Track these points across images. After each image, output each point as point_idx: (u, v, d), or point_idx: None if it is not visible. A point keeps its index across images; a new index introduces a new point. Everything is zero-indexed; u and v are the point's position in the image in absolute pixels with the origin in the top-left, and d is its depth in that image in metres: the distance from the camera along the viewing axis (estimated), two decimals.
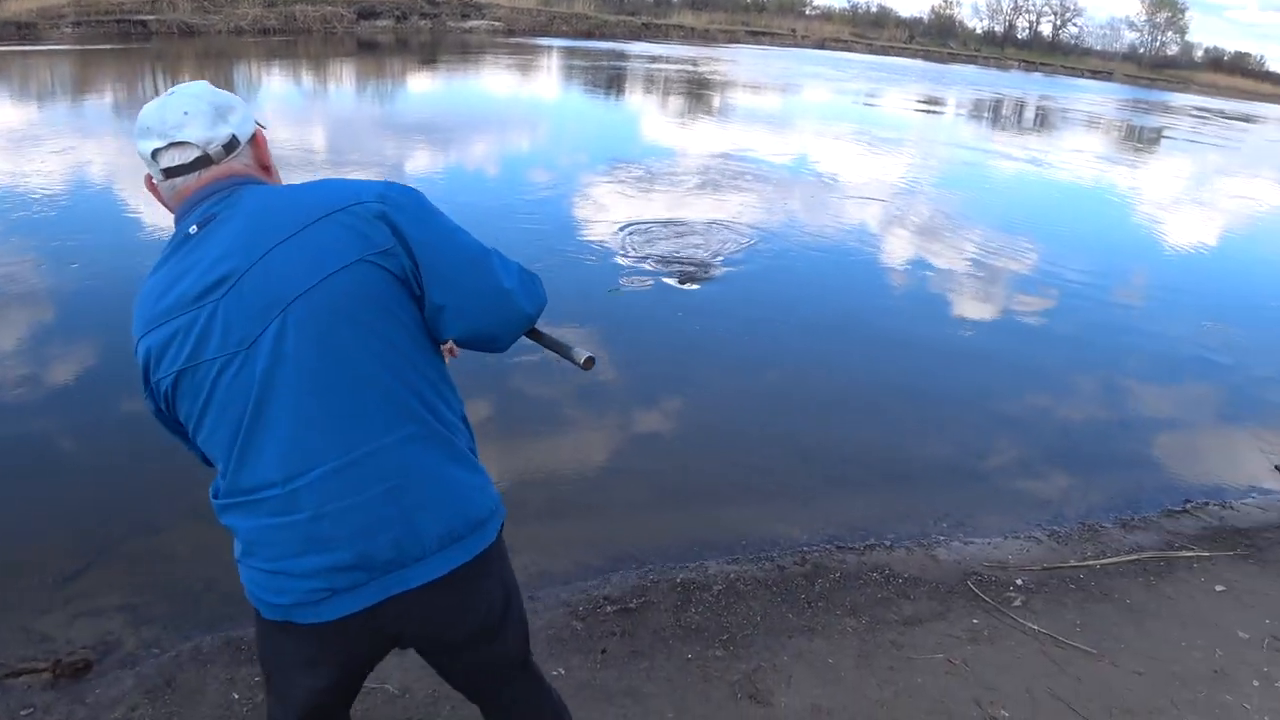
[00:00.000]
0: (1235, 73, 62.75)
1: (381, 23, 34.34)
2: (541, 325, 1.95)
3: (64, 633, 3.42)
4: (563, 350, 1.96)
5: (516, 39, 35.14)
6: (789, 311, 7.46)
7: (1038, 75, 42.56)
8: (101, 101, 16.37)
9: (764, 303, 7.58)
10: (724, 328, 6.87)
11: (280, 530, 1.61)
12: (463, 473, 1.70)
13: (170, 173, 1.64)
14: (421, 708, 3.05)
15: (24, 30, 27.04)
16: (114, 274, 7.08)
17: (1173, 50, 56.43)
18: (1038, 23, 54.66)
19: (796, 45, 44.31)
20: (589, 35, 38.87)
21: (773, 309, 7.45)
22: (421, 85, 21.65)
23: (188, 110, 1.62)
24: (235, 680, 3.13)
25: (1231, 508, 5.07)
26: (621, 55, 31.43)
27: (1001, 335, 7.61)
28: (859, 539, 4.37)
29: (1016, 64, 47.53)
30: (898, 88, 28.48)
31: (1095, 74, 45.16)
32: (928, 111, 25.46)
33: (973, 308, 8.17)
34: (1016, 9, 53.10)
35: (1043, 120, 25.09)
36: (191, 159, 1.63)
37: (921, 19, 52.76)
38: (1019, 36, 54.71)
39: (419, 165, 11.88)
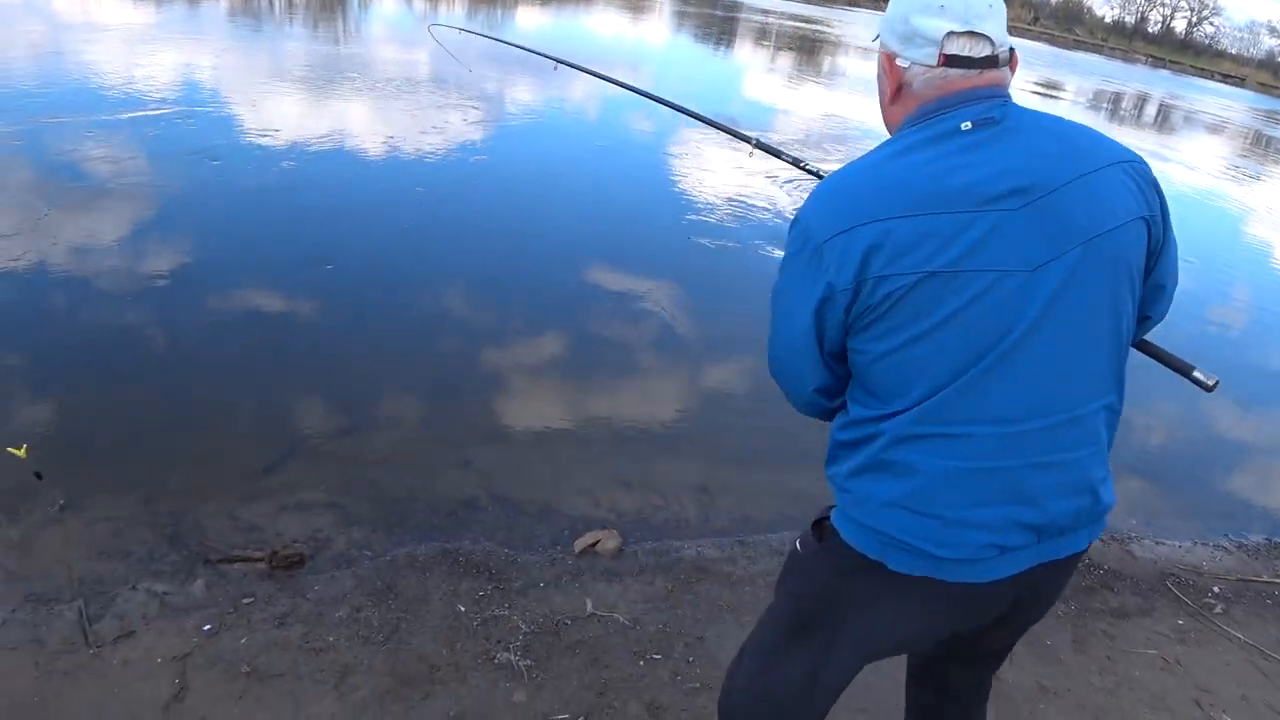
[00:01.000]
0: None
1: None
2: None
3: (271, 524, 3.35)
4: (1180, 368, 1.86)
5: None
6: None
7: (1164, 73, 40.76)
8: None
9: None
10: None
11: (978, 476, 1.44)
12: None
13: (954, 61, 1.48)
14: (653, 641, 2.93)
15: None
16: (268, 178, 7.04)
17: None
18: (1171, 17, 52.17)
19: None
20: None
21: None
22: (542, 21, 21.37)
23: (992, 4, 1.50)
24: (458, 593, 3.02)
25: None
26: (736, 6, 30.81)
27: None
28: None
29: (1144, 59, 45.53)
30: (1021, 69, 27.52)
31: (1227, 78, 42.91)
32: (1044, 95, 24.48)
33: None
34: (1151, 1, 50.76)
35: (1164, 119, 23.97)
36: (982, 54, 1.49)
37: (1049, 1, 50.64)
38: (1150, 30, 52.39)
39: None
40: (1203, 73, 45.09)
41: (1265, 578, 4.10)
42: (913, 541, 1.47)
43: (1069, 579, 1.66)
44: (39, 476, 3.22)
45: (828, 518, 1.61)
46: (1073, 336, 1.43)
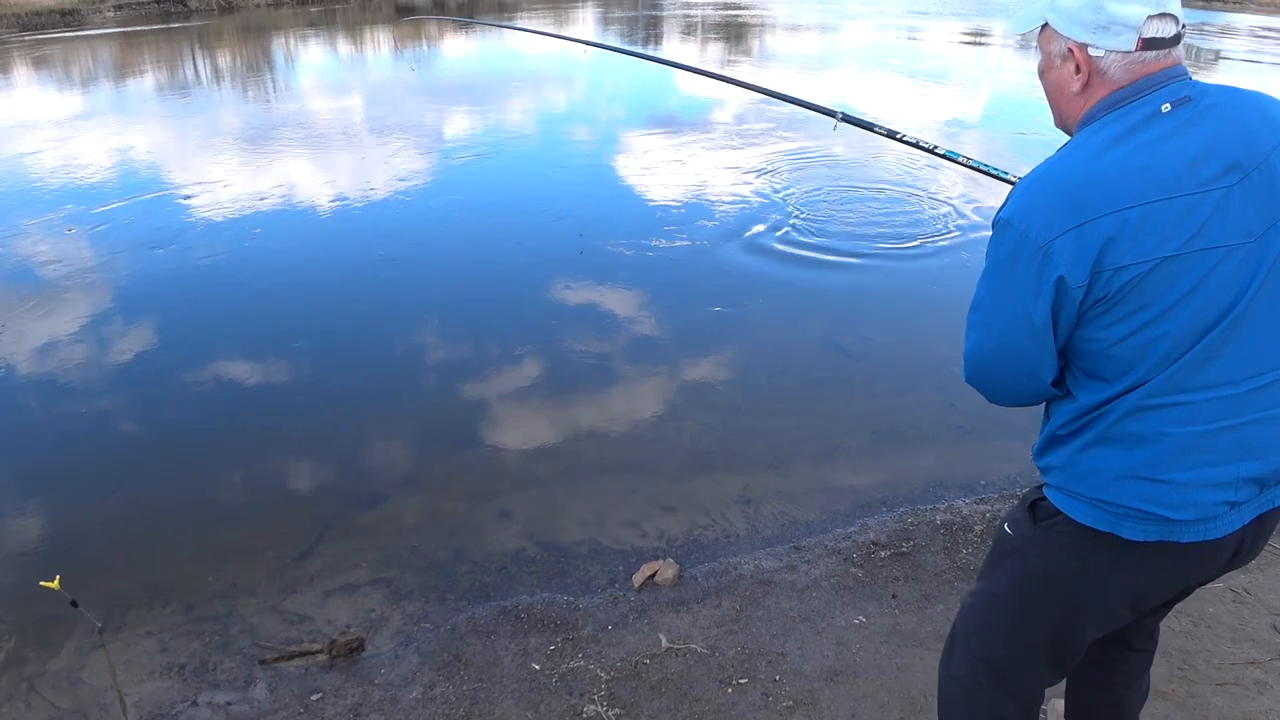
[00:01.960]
0: None
1: None
2: None
3: (319, 611, 3.26)
4: None
5: None
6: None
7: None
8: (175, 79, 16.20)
9: None
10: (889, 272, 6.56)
11: (1209, 437, 1.51)
12: None
13: (1150, 44, 1.52)
14: (735, 665, 2.86)
15: (68, 16, 27.01)
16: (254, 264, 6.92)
17: None
18: None
19: None
20: None
21: None
22: (461, 48, 21.22)
23: None
24: (528, 650, 2.94)
25: None
26: (656, 4, 30.78)
27: None
28: None
29: None
30: (938, 21, 27.62)
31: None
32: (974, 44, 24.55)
33: None
34: None
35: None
36: (1172, 34, 1.52)
37: None
38: None
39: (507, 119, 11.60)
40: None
41: None
42: (1149, 508, 1.54)
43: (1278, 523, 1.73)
44: (75, 604, 3.10)
45: (1041, 499, 1.68)
46: None
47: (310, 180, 9.04)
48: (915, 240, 7.00)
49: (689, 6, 29.69)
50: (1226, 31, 25.80)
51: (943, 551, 3.47)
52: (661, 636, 2.98)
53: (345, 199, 8.34)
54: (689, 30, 24.01)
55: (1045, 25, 1.59)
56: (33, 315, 5.81)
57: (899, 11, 30.09)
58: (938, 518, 3.69)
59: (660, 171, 9.11)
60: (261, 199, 8.34)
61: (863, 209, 7.76)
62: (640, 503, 3.84)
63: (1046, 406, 1.70)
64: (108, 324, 5.68)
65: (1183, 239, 1.43)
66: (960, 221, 7.45)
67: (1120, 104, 1.52)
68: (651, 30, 23.36)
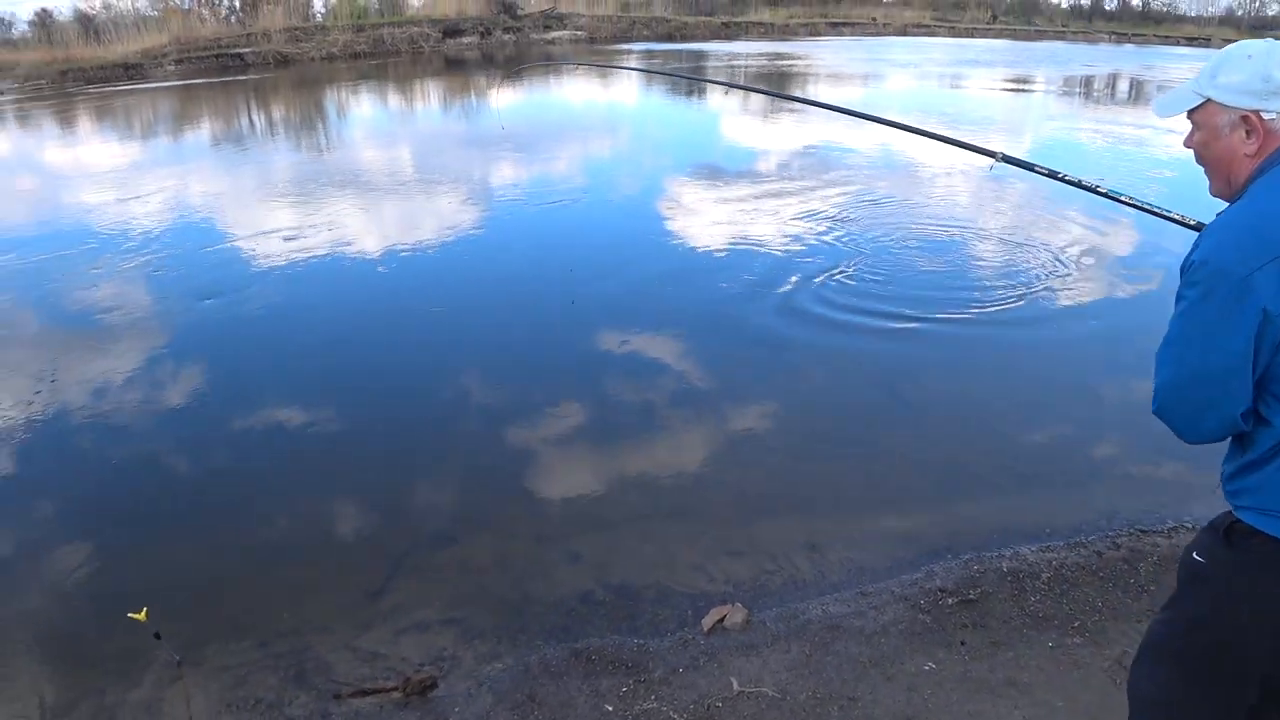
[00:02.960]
0: None
1: (467, 39, 34.60)
2: None
3: (393, 649, 3.32)
4: None
5: (597, 45, 35.18)
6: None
7: (1129, 47, 40.82)
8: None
9: None
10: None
11: None
12: None
13: None
14: (807, 710, 2.87)
15: (131, 70, 27.98)
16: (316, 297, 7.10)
17: (1273, 10, 53.67)
18: None
19: (878, 34, 43.49)
20: (669, 38, 38.62)
21: None
22: (515, 99, 21.61)
23: None
24: (601, 692, 2.97)
25: None
26: (702, 55, 31.19)
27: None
28: (1157, 522, 4.08)
29: (1107, 36, 45.68)
30: (985, 69, 27.67)
31: (1192, 41, 42.90)
32: (1017, 90, 24.55)
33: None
34: None
35: (1138, 93, 24.02)
36: None
37: None
38: (1106, 8, 52.68)
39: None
40: (1167, 39, 45.09)
41: None
42: None
43: None
44: (158, 637, 3.19)
45: (1236, 522, 1.75)
46: None
47: (390, 230, 9.28)
48: (993, 300, 7.00)
49: (734, 56, 30.03)
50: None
51: (1010, 599, 3.45)
52: (733, 680, 3.00)
53: (421, 246, 8.54)
54: (761, 79, 24.23)
55: (1205, 104, 1.77)
56: (101, 358, 6.00)
57: (945, 60, 30.26)
58: (1004, 565, 3.68)
59: (740, 222, 9.21)
60: (350, 245, 8.57)
61: (932, 260, 7.80)
62: (706, 546, 3.87)
63: (1237, 438, 1.77)
64: (178, 368, 5.85)
65: None
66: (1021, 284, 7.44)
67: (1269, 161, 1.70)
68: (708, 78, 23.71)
